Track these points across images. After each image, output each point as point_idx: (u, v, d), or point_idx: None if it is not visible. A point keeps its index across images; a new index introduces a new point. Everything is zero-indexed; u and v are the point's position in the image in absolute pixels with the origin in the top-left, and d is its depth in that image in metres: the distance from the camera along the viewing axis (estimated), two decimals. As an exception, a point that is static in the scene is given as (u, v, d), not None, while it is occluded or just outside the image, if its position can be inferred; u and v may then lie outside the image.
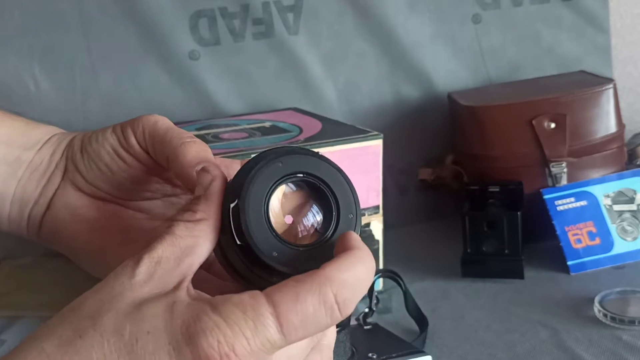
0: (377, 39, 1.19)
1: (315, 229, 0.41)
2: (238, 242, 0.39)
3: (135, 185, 0.49)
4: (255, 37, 1.13)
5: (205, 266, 0.44)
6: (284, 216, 0.41)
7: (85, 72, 1.08)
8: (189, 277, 0.38)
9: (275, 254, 0.38)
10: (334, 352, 0.66)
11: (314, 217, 0.41)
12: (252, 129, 0.98)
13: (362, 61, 1.19)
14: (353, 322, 0.73)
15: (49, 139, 0.51)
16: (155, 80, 1.11)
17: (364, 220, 0.92)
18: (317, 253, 0.39)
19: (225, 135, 0.95)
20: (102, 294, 0.37)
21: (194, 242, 0.39)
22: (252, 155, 0.41)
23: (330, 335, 0.41)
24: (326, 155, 0.42)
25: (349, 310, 0.36)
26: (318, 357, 0.40)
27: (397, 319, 0.87)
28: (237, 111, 1.13)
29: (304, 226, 0.41)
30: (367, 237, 0.93)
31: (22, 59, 1.05)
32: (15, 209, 0.50)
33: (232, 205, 0.39)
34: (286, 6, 1.14)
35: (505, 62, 1.26)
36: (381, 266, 0.95)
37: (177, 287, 0.37)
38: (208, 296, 0.36)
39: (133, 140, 0.47)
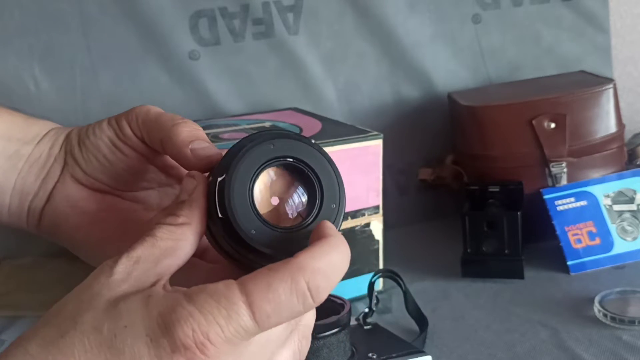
0: (377, 39, 1.19)
1: (299, 213, 0.42)
2: (219, 215, 0.39)
3: (133, 176, 0.50)
4: (255, 37, 1.13)
5: (198, 253, 0.45)
6: (270, 198, 0.41)
7: (85, 72, 1.08)
8: (167, 277, 0.39)
9: (253, 231, 0.39)
10: (334, 352, 0.66)
11: (299, 198, 0.42)
12: (252, 129, 0.98)
13: (362, 61, 1.19)
14: (353, 322, 0.73)
15: (47, 133, 0.52)
16: (155, 80, 1.11)
17: (364, 221, 0.92)
18: (294, 237, 0.40)
19: (225, 135, 0.95)
20: (82, 295, 0.38)
21: (174, 245, 0.39)
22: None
23: (309, 316, 0.41)
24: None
25: (322, 297, 0.37)
26: (296, 337, 0.41)
27: (397, 319, 0.87)
28: (237, 111, 1.13)
29: (289, 208, 0.42)
30: (367, 237, 0.93)
31: (22, 59, 1.05)
32: (16, 202, 0.51)
33: (219, 178, 0.40)
34: (286, 6, 1.14)
35: (505, 62, 1.26)
36: (381, 266, 0.95)
37: (153, 284, 0.38)
38: (183, 289, 0.37)
39: (128, 131, 0.48)
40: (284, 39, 1.14)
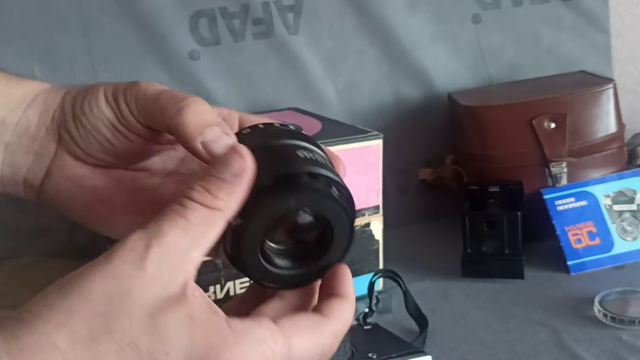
0: (377, 39, 1.19)
1: (309, 245, 0.41)
2: (228, 252, 0.39)
3: (137, 155, 0.47)
4: (255, 37, 1.13)
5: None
6: (283, 231, 0.41)
7: (85, 72, 1.08)
8: (192, 279, 0.37)
9: (257, 274, 0.40)
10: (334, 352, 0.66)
11: (308, 228, 0.41)
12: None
13: (362, 61, 1.19)
14: (353, 322, 0.73)
15: (34, 98, 0.49)
16: (155, 80, 1.08)
17: (364, 220, 0.92)
18: (298, 277, 0.41)
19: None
20: (110, 286, 0.35)
21: (203, 232, 0.37)
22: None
23: None
24: None
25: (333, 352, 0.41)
26: None
27: (397, 319, 0.87)
28: (237, 111, 1.13)
29: (298, 234, 0.42)
30: (367, 237, 0.93)
31: (22, 59, 1.05)
32: (8, 174, 0.47)
33: (234, 223, 0.38)
34: (286, 6, 1.14)
35: (505, 62, 1.26)
36: (381, 266, 0.95)
37: (184, 291, 0.36)
38: (222, 314, 0.37)
39: (132, 119, 0.45)
40: (284, 39, 1.14)
